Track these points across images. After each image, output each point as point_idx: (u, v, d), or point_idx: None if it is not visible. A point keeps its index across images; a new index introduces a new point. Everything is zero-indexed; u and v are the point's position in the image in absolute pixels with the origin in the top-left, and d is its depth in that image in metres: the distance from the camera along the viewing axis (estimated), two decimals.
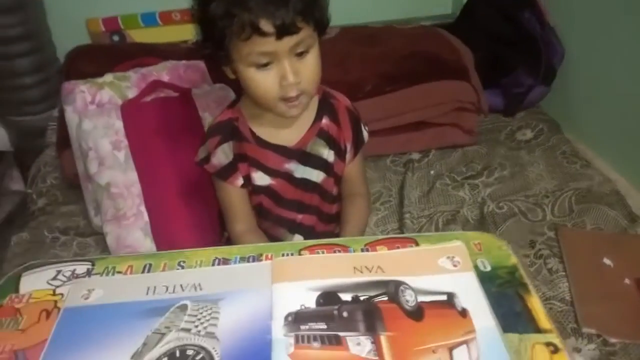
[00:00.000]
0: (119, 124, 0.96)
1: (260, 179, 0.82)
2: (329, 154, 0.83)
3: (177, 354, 0.52)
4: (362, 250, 0.64)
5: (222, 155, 0.80)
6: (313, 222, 0.87)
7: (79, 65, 1.27)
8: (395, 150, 1.26)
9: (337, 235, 0.88)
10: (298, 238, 0.86)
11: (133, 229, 0.92)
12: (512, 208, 1.06)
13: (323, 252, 0.65)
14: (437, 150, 1.25)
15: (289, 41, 0.67)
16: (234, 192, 0.82)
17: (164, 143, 0.97)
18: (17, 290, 0.62)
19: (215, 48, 0.70)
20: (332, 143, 0.83)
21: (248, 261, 0.64)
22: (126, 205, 0.92)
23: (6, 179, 1.64)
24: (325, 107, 0.83)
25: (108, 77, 1.08)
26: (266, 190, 0.83)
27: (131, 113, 0.98)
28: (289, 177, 0.83)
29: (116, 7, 1.53)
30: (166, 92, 1.07)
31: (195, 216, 0.95)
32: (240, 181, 0.81)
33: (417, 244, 0.64)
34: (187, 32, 1.53)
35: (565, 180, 1.12)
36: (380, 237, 0.69)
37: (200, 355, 0.52)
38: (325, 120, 0.83)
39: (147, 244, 0.92)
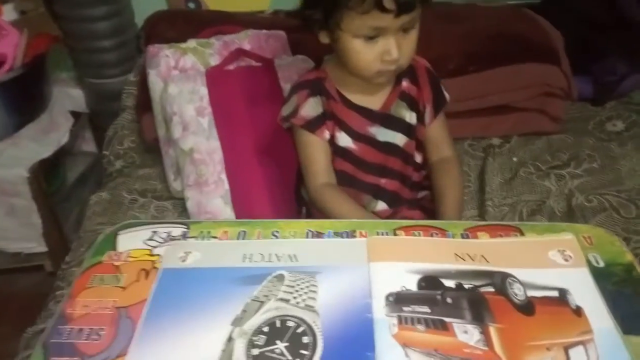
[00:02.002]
0: (203, 90, 0.96)
1: (343, 140, 0.83)
2: (411, 117, 0.85)
3: (278, 324, 0.52)
4: (462, 236, 0.61)
5: (311, 107, 0.81)
6: (396, 188, 0.86)
7: (160, 30, 1.28)
8: (474, 133, 1.21)
9: (421, 203, 0.89)
10: (382, 205, 0.86)
11: (213, 196, 0.93)
12: (602, 202, 1.00)
13: (419, 234, 0.62)
14: (520, 136, 1.19)
15: (403, 18, 0.70)
16: (320, 146, 0.83)
17: (246, 112, 0.97)
18: (114, 247, 0.64)
19: (323, 15, 0.72)
20: (414, 105, 0.85)
21: (342, 237, 0.63)
22: (208, 172, 0.93)
23: (79, 140, 1.69)
24: (405, 69, 0.82)
25: (191, 43, 1.08)
26: (348, 154, 0.84)
27: (215, 80, 0.98)
28: (372, 141, 0.84)
29: None
30: (247, 61, 1.06)
31: (273, 188, 0.94)
32: (327, 135, 0.82)
33: (522, 234, 0.61)
34: (261, 3, 1.53)
35: None
36: (481, 222, 0.66)
37: (302, 328, 0.51)
38: (405, 83, 0.85)
39: (226, 212, 0.92)
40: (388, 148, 0.85)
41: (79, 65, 1.54)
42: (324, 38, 0.77)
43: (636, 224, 0.95)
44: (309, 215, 0.92)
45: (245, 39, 1.11)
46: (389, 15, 0.68)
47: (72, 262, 0.98)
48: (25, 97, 1.42)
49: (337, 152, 0.84)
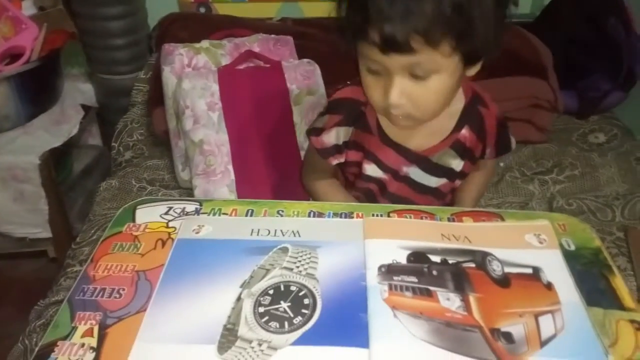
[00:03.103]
0: (215, 87, 1.03)
1: (373, 171, 0.79)
2: (458, 164, 0.78)
3: (282, 288, 0.58)
4: (449, 220, 0.68)
5: (334, 136, 0.77)
6: None
7: (173, 31, 1.35)
8: None
9: None
10: None
11: (220, 185, 0.99)
12: (581, 206, 1.07)
13: (411, 217, 0.69)
14: None
15: (398, 59, 0.59)
16: (326, 164, 0.82)
17: (254, 109, 1.03)
18: (133, 220, 0.70)
19: (350, 40, 0.64)
20: (466, 153, 0.78)
21: (340, 217, 0.69)
22: (216, 162, 0.99)
23: (86, 134, 1.75)
24: (471, 115, 0.74)
25: (204, 44, 1.14)
26: (377, 181, 0.81)
27: (226, 78, 1.05)
28: (405, 179, 0.79)
29: None
30: (256, 63, 1.14)
31: (276, 179, 1.01)
32: (336, 161, 0.80)
33: (502, 219, 0.68)
34: (269, 10, 1.61)
35: (637, 184, 1.12)
36: (466, 209, 0.72)
37: (303, 292, 0.57)
38: (464, 131, 0.75)
39: None
40: (422, 188, 0.80)
41: (92, 61, 1.61)
42: None
43: (611, 227, 1.02)
44: None
45: (255, 42, 1.18)
46: (376, 50, 0.59)
47: (82, 242, 1.04)
48: (39, 88, 1.48)
49: (363, 177, 0.80)
